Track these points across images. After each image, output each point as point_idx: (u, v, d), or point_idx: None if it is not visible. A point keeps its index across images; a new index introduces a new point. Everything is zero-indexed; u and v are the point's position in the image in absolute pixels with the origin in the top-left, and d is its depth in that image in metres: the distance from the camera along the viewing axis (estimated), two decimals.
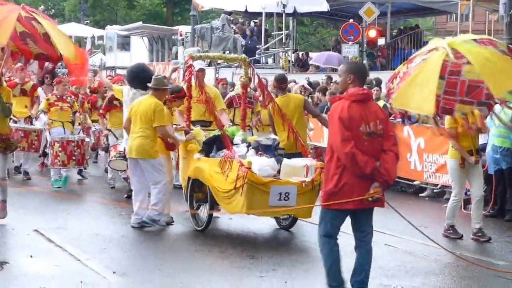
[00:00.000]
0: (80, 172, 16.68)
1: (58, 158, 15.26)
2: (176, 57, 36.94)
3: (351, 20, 27.10)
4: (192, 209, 11.76)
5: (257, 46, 32.02)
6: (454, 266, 9.92)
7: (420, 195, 15.62)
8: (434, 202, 14.72)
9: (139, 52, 40.91)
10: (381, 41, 27.89)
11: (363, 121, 7.55)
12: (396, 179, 16.43)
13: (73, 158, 15.39)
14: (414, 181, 15.96)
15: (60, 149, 15.26)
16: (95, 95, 17.49)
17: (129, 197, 13.69)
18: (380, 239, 11.18)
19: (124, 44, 45.57)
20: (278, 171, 10.92)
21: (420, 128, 15.50)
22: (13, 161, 16.52)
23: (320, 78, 23.43)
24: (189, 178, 11.73)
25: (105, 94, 16.81)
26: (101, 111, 15.66)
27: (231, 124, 13.05)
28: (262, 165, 10.77)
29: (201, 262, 9.78)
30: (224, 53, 27.52)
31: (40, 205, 13.50)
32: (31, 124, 16.56)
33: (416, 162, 15.58)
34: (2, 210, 11.65)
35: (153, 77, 11.88)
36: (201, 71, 13.09)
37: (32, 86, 16.86)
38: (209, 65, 28.37)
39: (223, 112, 13.21)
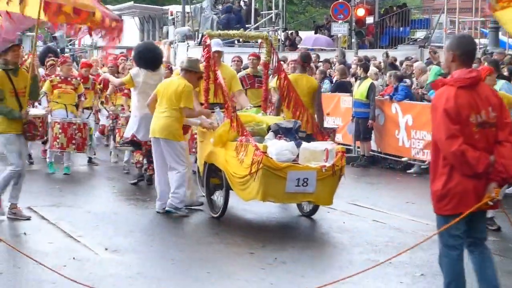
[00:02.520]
0: (90, 160, 16.01)
1: (57, 140, 14.33)
2: (167, 36, 36.99)
3: None
4: (208, 195, 11.31)
5: (233, 25, 31.79)
6: None
7: (408, 171, 15.75)
8: (422, 178, 14.79)
9: (130, 31, 40.84)
10: (369, 20, 27.89)
11: (473, 110, 6.28)
12: (384, 156, 16.63)
13: (73, 142, 14.35)
14: (402, 157, 16.10)
15: (60, 131, 14.32)
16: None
17: (135, 184, 13.54)
18: (368, 215, 11.37)
19: None
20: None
21: (408, 105, 15.66)
22: None
23: None
24: (205, 162, 11.35)
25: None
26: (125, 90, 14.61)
27: (251, 105, 12.39)
28: (281, 149, 10.16)
29: (192, 239, 9.89)
30: None
31: (34, 183, 13.47)
32: (33, 106, 16.10)
33: (404, 139, 15.71)
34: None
35: (187, 58, 11.20)
36: (217, 52, 12.21)
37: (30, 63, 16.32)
38: (199, 44, 28.38)
39: (241, 93, 12.62)
